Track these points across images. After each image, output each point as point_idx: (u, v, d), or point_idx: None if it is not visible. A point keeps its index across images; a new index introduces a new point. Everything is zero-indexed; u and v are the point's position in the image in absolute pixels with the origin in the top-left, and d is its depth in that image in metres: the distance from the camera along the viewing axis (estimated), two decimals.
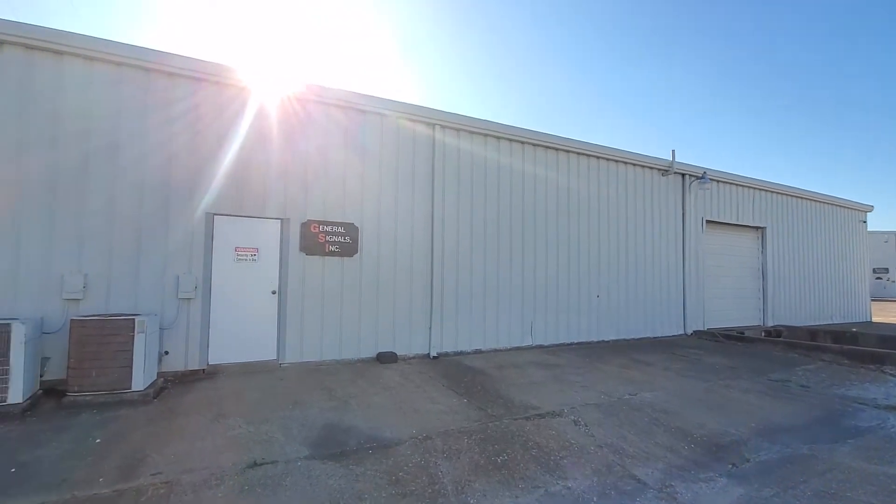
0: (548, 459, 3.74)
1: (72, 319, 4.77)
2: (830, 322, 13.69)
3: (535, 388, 5.82)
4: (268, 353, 6.52)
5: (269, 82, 6.58)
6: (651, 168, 10.56)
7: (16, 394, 4.37)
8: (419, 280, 7.61)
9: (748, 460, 3.84)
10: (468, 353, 7.85)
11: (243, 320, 6.40)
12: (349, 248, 7.06)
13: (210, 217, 6.24)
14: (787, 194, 13.09)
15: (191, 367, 6.01)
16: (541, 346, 8.61)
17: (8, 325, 4.38)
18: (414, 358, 7.41)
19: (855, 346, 9.05)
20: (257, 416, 4.56)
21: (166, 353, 5.86)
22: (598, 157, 9.75)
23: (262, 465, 3.50)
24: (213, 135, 6.30)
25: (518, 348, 8.38)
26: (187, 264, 6.07)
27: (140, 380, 4.86)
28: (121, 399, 4.75)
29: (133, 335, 4.86)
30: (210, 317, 6.19)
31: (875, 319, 15.15)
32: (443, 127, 7.92)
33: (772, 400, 5.56)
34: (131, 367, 4.84)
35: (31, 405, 4.54)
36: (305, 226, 6.78)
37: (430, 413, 4.79)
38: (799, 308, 13.18)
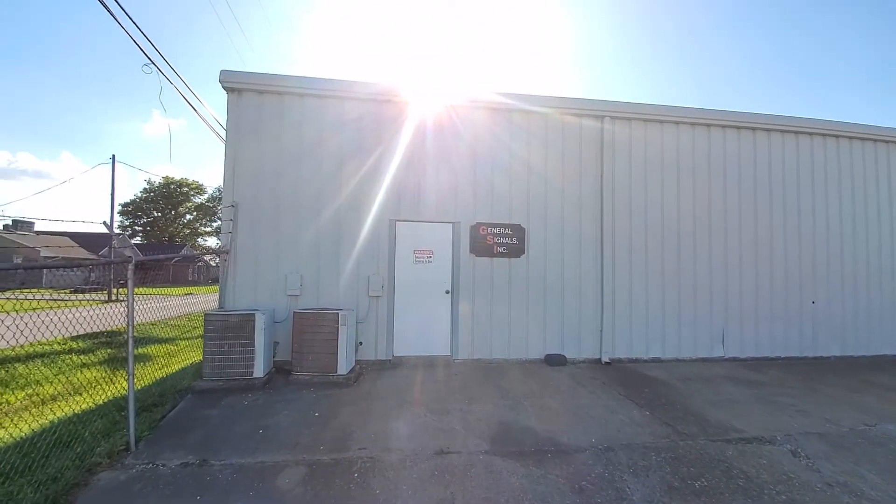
0: (760, 492, 3.25)
1: (294, 312, 5.84)
2: None
3: (733, 407, 5.12)
4: (442, 348, 7.02)
5: (437, 95, 7.07)
6: (888, 142, 8.34)
7: (259, 369, 5.53)
8: (588, 281, 7.33)
9: None
10: (645, 361, 7.28)
11: (421, 317, 7.01)
12: (516, 249, 7.17)
13: (392, 223, 6.97)
14: None
15: (380, 358, 6.82)
16: (735, 359, 7.52)
17: (252, 315, 5.57)
18: (583, 362, 7.17)
19: None
20: (438, 406, 4.95)
21: (360, 343, 6.76)
22: (810, 134, 8.07)
23: (447, 453, 3.79)
24: (391, 148, 7.02)
25: (706, 360, 7.46)
26: (375, 266, 6.89)
27: (343, 365, 5.70)
28: (329, 380, 5.65)
29: (338, 327, 5.72)
30: (394, 313, 6.93)
31: None
32: (612, 118, 7.47)
33: None
34: (336, 354, 5.70)
35: (268, 380, 5.69)
36: (474, 228, 7.10)
37: (610, 423, 4.58)
38: None
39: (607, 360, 7.13)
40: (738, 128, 7.87)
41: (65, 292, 23.83)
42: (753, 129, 7.91)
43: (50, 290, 24.52)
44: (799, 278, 7.87)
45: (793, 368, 7.05)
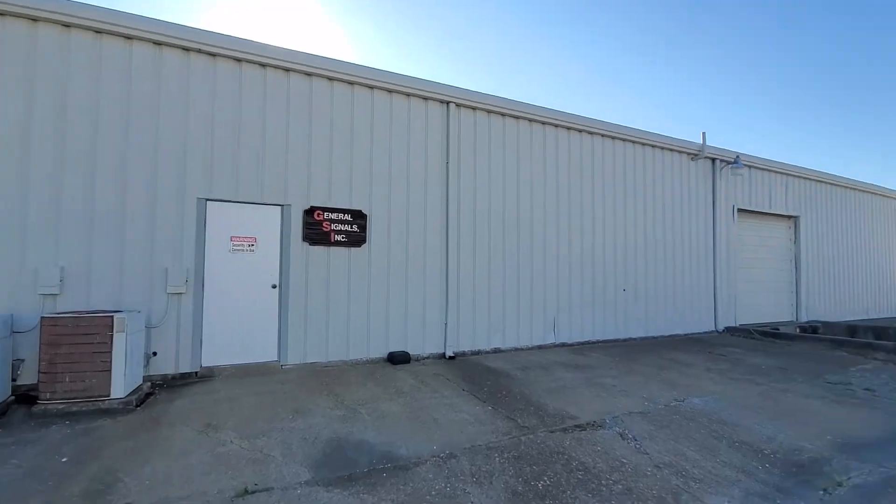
0: (598, 485, 3.18)
1: (42, 317, 4.24)
2: (866, 317, 13.05)
3: (567, 393, 5.26)
4: (268, 353, 5.98)
5: (268, 56, 5.99)
6: (680, 152, 9.93)
7: None
8: (433, 274, 7.05)
9: (840, 484, 3.27)
10: (487, 353, 7.30)
11: (241, 317, 5.87)
12: (357, 238, 6.50)
13: (202, 203, 5.69)
14: (821, 181, 12.41)
15: (182, 370, 5.49)
16: (565, 345, 8.05)
17: None
18: (428, 358, 6.86)
19: None
20: (253, 427, 4.02)
21: (154, 354, 5.34)
22: (624, 141, 9.12)
23: (253, 492, 2.95)
24: (204, 111, 5.73)
25: (541, 347, 7.82)
26: (177, 254, 5.52)
27: (120, 385, 4.33)
28: (98, 408, 4.23)
29: (111, 335, 4.33)
30: (203, 313, 5.66)
31: None
32: (457, 105, 7.32)
33: (838, 406, 4.98)
34: (110, 371, 4.31)
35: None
36: (309, 213, 6.22)
37: (453, 424, 4.24)
38: (833, 302, 12.54)
39: (452, 354, 6.94)
40: (571, 129, 8.46)
41: None
42: (582, 131, 8.58)
43: None
44: (614, 268, 8.81)
45: (610, 350, 7.80)
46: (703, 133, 10.13)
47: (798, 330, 10.84)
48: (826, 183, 12.53)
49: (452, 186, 7.20)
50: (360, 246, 6.54)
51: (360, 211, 6.57)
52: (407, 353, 6.63)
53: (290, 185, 6.18)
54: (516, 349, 7.61)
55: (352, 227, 6.48)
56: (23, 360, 4.65)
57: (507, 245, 7.69)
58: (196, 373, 5.56)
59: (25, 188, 4.92)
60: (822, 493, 3.16)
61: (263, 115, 6.05)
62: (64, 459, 3.33)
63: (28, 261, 4.88)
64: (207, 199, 5.73)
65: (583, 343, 8.25)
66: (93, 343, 4.28)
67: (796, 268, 11.88)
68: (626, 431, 4.15)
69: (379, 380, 5.63)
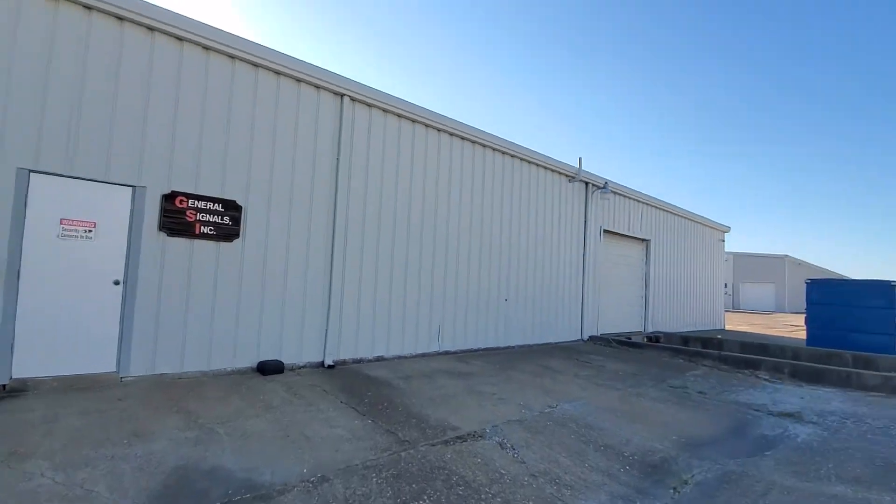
0: (478, 500, 3.10)
1: None
2: (694, 329, 15.38)
3: (449, 403, 5.21)
4: (104, 362, 4.97)
5: (137, 11, 5.04)
6: (560, 173, 10.72)
7: None
8: (316, 276, 6.55)
9: (686, 482, 3.64)
10: (369, 361, 6.98)
11: (70, 318, 4.79)
12: (228, 231, 5.76)
13: (23, 175, 4.55)
14: (667, 210, 14.40)
15: None
16: (448, 353, 8.05)
17: None
18: (305, 367, 6.33)
19: (723, 351, 10.09)
20: (74, 456, 3.25)
21: None
22: (513, 157, 9.55)
23: None
24: (34, 64, 4.63)
25: (425, 355, 7.72)
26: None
27: None
28: None
29: None
30: (17, 312, 4.50)
31: (727, 327, 17.45)
32: (352, 99, 6.96)
33: (680, 408, 5.65)
34: None
35: None
36: (169, 198, 5.35)
37: (327, 441, 3.89)
38: (671, 315, 14.55)
39: (331, 363, 6.49)
40: (464, 139, 8.60)
41: None
42: (475, 142, 8.77)
43: None
44: (498, 278, 9.12)
45: (491, 358, 8.01)
46: (580, 158, 11.11)
47: (645, 339, 12.33)
48: (670, 213, 14.57)
49: (343, 184, 6.80)
50: (231, 241, 5.80)
51: (234, 202, 5.84)
52: (280, 362, 6.03)
53: (146, 164, 5.25)
54: (400, 357, 7.41)
55: (222, 219, 5.73)
56: None
57: (397, 250, 7.50)
58: (3, 386, 4.37)
59: None
60: (672, 491, 3.47)
61: (116, 78, 5.07)
62: None
63: None
64: (31, 171, 4.60)
65: (466, 351, 8.35)
66: None
67: (646, 284, 13.56)
68: (505, 440, 4.19)
69: (244, 393, 5.00)
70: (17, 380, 4.48)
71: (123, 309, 5.08)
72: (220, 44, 5.70)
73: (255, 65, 6.06)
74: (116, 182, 5.07)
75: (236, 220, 5.83)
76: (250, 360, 5.93)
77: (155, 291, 5.27)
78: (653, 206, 13.77)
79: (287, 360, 6.16)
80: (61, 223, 4.77)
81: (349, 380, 5.90)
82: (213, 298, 5.67)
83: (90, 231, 4.93)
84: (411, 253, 7.70)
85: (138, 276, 5.16)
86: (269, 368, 5.84)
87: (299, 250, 6.43)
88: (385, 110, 7.41)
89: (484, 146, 8.97)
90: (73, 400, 4.34)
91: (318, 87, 6.66)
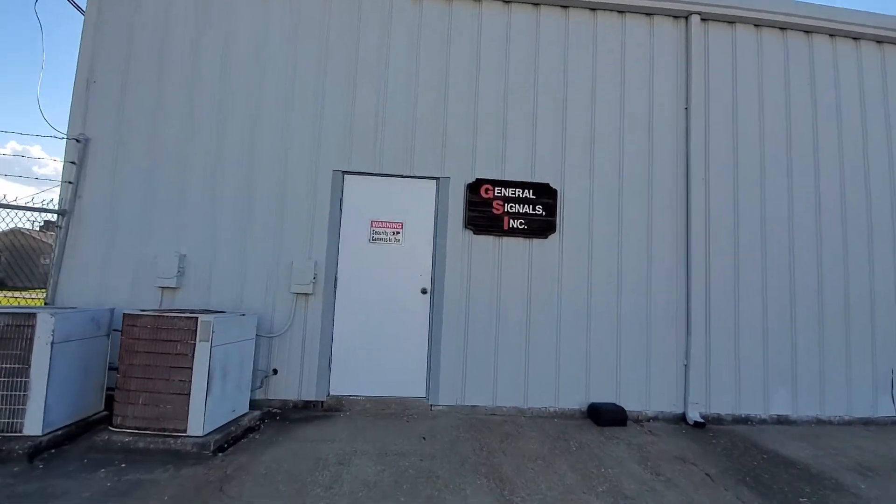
0: None
1: (125, 314, 3.24)
2: None
3: None
4: (413, 386, 4.28)
5: None
6: None
7: (34, 421, 2.93)
8: (662, 282, 4.48)
9: None
10: (762, 422, 4.32)
11: (380, 331, 4.31)
12: (542, 225, 4.42)
13: (339, 177, 4.37)
14: None
15: (306, 397, 4.14)
16: None
17: (31, 315, 3.00)
18: (656, 420, 4.28)
19: None
20: None
21: (275, 372, 4.12)
22: None
23: None
24: (342, 57, 4.47)
25: (867, 421, 4.42)
26: (306, 245, 4.28)
27: (199, 418, 3.05)
28: (168, 447, 2.99)
29: (193, 344, 3.10)
30: (335, 323, 4.27)
31: None
32: (703, 18, 4.70)
33: None
34: (189, 396, 3.07)
35: (58, 443, 3.04)
36: (473, 189, 4.40)
37: None
38: None
39: (699, 420, 4.21)
40: None
41: None
42: None
43: None
44: None
45: None
46: None
47: None
48: None
49: (695, 147, 4.56)
50: (545, 236, 4.42)
51: (548, 185, 4.48)
52: (620, 408, 4.18)
53: (448, 150, 4.49)
54: (819, 421, 4.40)
55: (534, 209, 4.43)
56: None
57: (799, 241, 4.62)
58: (322, 403, 4.15)
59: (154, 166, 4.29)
60: None
61: (416, 52, 4.54)
62: None
63: (151, 243, 4.17)
64: (345, 172, 4.41)
65: None
66: (171, 354, 3.12)
67: None
68: None
69: (575, 455, 3.35)
70: (334, 397, 4.16)
71: (431, 323, 4.33)
72: None
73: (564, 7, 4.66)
74: (420, 175, 4.45)
75: (550, 210, 4.43)
76: (577, 401, 4.32)
77: (462, 303, 4.33)
78: None
79: (629, 405, 4.26)
80: (372, 226, 4.40)
81: (739, 456, 3.49)
82: (527, 310, 4.36)
83: (398, 233, 4.41)
84: (827, 247, 4.64)
85: (444, 285, 4.33)
86: (605, 417, 4.07)
87: (636, 246, 4.51)
88: (758, 24, 4.78)
89: None
90: (378, 431, 3.63)
91: (648, 13, 4.73)
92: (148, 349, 3.13)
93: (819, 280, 4.57)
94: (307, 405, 4.13)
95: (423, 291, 4.35)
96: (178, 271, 4.09)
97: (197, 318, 3.13)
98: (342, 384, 4.21)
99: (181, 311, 3.45)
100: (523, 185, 4.44)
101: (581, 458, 3.28)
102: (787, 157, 4.68)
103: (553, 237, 4.44)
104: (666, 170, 4.61)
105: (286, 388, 4.14)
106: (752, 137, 4.68)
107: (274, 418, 3.85)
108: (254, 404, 3.92)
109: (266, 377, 4.09)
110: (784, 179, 4.66)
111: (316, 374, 4.16)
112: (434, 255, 4.38)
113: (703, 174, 4.56)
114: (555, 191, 4.46)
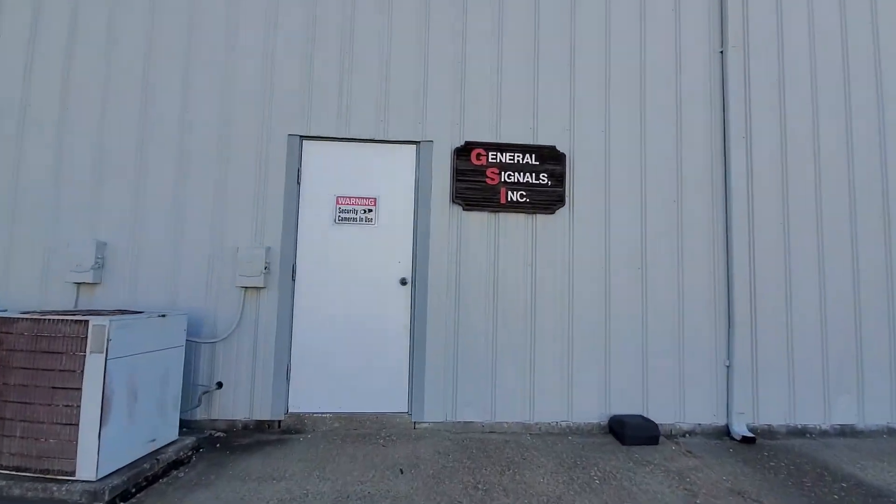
0: None
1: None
2: None
3: None
4: (392, 399, 3.48)
5: None
6: None
7: None
8: (696, 265, 3.67)
9: None
10: (822, 434, 3.52)
11: (349, 334, 3.51)
12: (548, 197, 3.60)
13: (296, 142, 3.55)
14: None
15: (259, 416, 3.33)
16: None
17: None
18: (693, 434, 3.49)
19: None
20: None
21: (219, 385, 3.32)
22: None
23: None
24: (293, 7, 3.64)
25: None
26: (254, 228, 3.47)
27: (90, 456, 2.24)
28: (50, 495, 2.20)
29: (84, 356, 2.30)
30: (293, 325, 3.47)
31: None
32: None
33: None
34: (78, 427, 2.27)
35: None
36: (463, 153, 3.59)
37: None
38: None
39: (747, 433, 3.41)
40: None
41: None
42: None
43: None
44: None
45: None
46: None
47: None
48: None
49: (734, 98, 3.74)
50: (552, 210, 3.61)
51: (554, 148, 3.66)
52: (651, 422, 3.37)
53: (430, 109, 3.66)
54: (891, 430, 3.61)
55: (537, 178, 3.61)
56: None
57: (863, 210, 3.80)
58: (279, 423, 3.35)
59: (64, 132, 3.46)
60: None
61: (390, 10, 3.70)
62: None
63: (61, 231, 3.36)
64: (304, 137, 3.59)
65: None
66: (55, 371, 2.32)
67: None
68: None
69: (601, 494, 2.54)
70: (294, 415, 3.36)
71: (413, 321, 3.53)
72: None
73: None
74: (396, 139, 3.63)
75: (559, 178, 3.61)
76: (596, 413, 3.51)
77: (451, 296, 3.53)
78: None
79: (659, 417, 3.46)
80: (338, 203, 3.57)
81: (811, 486, 2.68)
82: (531, 303, 3.57)
83: (370, 211, 3.59)
84: None
85: (428, 274, 3.53)
86: (632, 433, 3.26)
87: (663, 223, 3.68)
88: None
89: None
90: (341, 464, 2.83)
91: None
92: (26, 364, 2.33)
93: (888, 254, 3.76)
94: (260, 426, 3.33)
95: (403, 282, 3.54)
96: (96, 263, 3.29)
97: (87, 321, 2.33)
98: (304, 399, 3.41)
99: (72, 312, 2.63)
100: (524, 149, 3.62)
101: (609, 499, 2.48)
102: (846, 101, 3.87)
103: (562, 212, 3.63)
104: (697, 125, 3.79)
105: (234, 406, 3.34)
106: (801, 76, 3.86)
107: (214, 446, 3.05)
108: (190, 428, 3.14)
109: (206, 392, 3.29)
110: (812, 132, 3.84)
111: (271, 388, 3.35)
112: (415, 238, 3.56)
113: (742, 110, 3.74)
114: (563, 155, 3.64)
